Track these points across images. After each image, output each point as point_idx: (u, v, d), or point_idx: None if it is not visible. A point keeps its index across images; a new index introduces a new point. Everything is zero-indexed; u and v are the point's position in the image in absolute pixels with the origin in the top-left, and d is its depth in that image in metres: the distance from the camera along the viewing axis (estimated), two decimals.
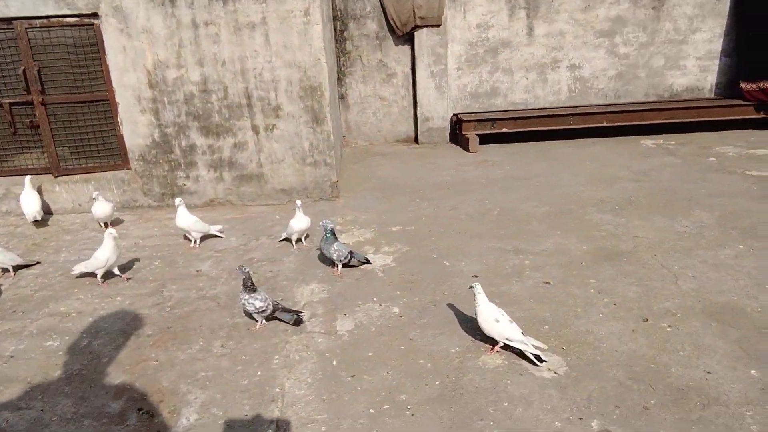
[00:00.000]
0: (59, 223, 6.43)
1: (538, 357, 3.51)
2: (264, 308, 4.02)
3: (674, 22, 9.41)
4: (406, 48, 9.25)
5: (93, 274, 4.85)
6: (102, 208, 5.97)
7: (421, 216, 6.22)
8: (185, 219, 5.51)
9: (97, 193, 5.99)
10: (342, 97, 9.51)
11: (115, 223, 6.25)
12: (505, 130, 9.14)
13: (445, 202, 6.64)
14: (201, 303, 4.50)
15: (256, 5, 6.04)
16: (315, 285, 4.72)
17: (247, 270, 4.07)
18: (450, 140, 9.63)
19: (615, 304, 4.21)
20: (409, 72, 9.40)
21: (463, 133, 9.09)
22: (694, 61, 9.65)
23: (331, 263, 4.96)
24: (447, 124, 9.53)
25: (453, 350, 3.72)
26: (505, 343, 3.61)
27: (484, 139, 9.08)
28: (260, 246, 5.59)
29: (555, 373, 3.46)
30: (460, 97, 9.66)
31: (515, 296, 4.39)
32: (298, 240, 5.54)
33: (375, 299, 4.43)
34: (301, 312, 4.23)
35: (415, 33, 8.97)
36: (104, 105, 6.35)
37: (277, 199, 6.80)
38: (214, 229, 5.77)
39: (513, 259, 5.04)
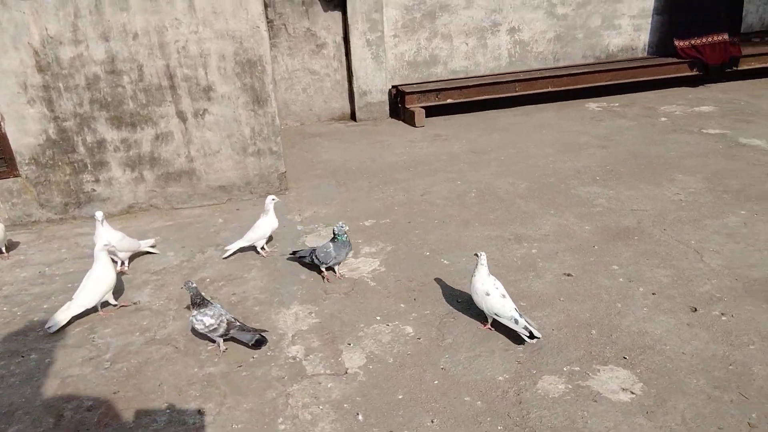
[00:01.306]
0: None
1: (531, 334, 3.16)
2: (215, 326, 3.25)
3: None
4: (337, 14, 8.25)
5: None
6: None
7: (392, 204, 5.41)
8: (108, 237, 4.33)
9: None
10: None
11: (9, 247, 4.87)
12: (450, 101, 8.47)
13: (413, 185, 5.86)
14: (152, 350, 3.43)
15: None
16: (297, 307, 3.78)
17: (194, 285, 3.33)
18: (390, 115, 8.82)
19: (654, 294, 3.68)
20: (341, 41, 8.42)
21: (407, 106, 8.31)
22: (629, 20, 9.47)
23: (318, 269, 4.11)
24: (386, 98, 8.69)
25: (500, 378, 3.00)
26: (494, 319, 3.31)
27: (429, 112, 8.37)
28: (209, 260, 4.53)
29: (632, 393, 2.84)
30: (397, 68, 8.84)
31: (541, 295, 3.73)
32: (263, 246, 4.53)
33: (378, 318, 3.60)
34: (263, 330, 3.40)
35: None
36: None
37: (215, 198, 5.69)
38: (145, 245, 4.62)
39: (518, 248, 4.38)
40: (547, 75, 8.73)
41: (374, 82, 8.53)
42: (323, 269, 4.06)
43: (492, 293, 3.24)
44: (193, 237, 4.97)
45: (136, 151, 5.34)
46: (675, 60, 9.13)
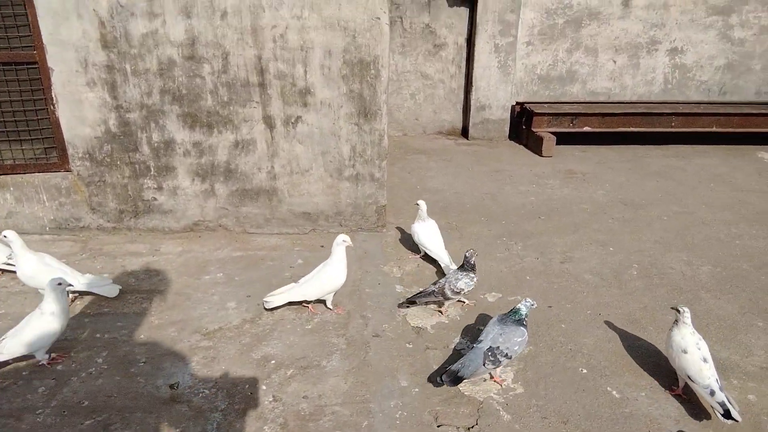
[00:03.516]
0: None
1: (727, 413, 2.53)
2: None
3: None
4: (464, 11, 6.92)
5: None
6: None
7: (522, 271, 4.05)
8: (27, 266, 3.33)
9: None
10: None
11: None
12: (588, 129, 6.95)
13: (548, 243, 4.47)
14: None
15: None
16: None
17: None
18: (510, 136, 7.41)
19: None
20: (464, 43, 7.09)
21: (534, 129, 6.87)
22: None
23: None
24: (508, 116, 7.29)
25: None
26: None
27: (559, 138, 6.90)
28: (279, 325, 3.36)
29: None
30: (526, 81, 7.40)
31: None
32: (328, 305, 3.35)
33: None
34: None
35: None
36: (30, 71, 3.96)
37: (296, 226, 4.55)
38: (95, 284, 3.49)
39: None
40: (712, 111, 7.02)
41: (496, 96, 7.14)
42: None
43: (690, 351, 2.73)
44: (264, 281, 3.82)
45: (210, 159, 4.27)
46: None
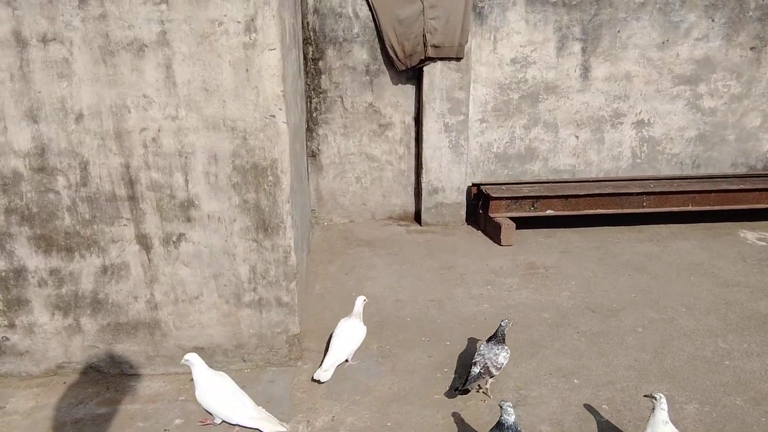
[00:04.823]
0: None
1: None
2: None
3: None
4: (409, 88, 6.33)
5: None
6: None
7: (463, 426, 3.19)
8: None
9: None
10: (313, 155, 6.50)
11: None
12: (551, 212, 6.25)
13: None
14: None
15: (149, 7, 3.00)
16: None
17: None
18: (467, 220, 6.69)
19: None
20: (412, 122, 6.48)
21: (491, 215, 6.15)
22: None
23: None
24: (463, 198, 6.59)
25: None
26: None
27: (521, 221, 6.19)
28: None
29: None
30: (482, 160, 6.76)
31: None
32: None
33: None
34: None
35: (425, 68, 6.07)
36: None
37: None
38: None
39: None
40: (687, 189, 6.37)
41: (449, 178, 6.47)
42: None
43: None
44: None
45: (72, 288, 3.44)
46: None
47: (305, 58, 6.07)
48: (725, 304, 4.62)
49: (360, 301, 3.88)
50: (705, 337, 4.12)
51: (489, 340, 3.43)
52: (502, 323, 3.42)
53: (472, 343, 4.03)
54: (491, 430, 2.72)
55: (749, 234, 6.27)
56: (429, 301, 4.73)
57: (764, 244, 5.98)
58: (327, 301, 4.73)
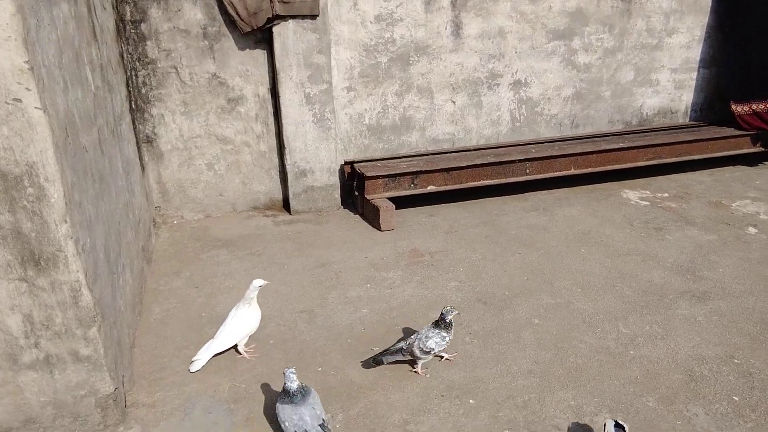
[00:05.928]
0: None
1: None
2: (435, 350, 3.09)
3: (647, 19, 6.61)
4: (260, 54, 5.34)
5: None
6: None
7: None
8: None
9: None
10: (148, 141, 5.33)
11: None
12: (432, 188, 5.65)
13: (381, 406, 2.93)
14: None
15: None
16: None
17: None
18: (343, 203, 5.92)
19: None
20: (268, 95, 5.51)
21: (368, 197, 5.43)
22: (669, 74, 6.98)
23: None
24: (336, 179, 5.80)
25: None
26: None
27: (402, 200, 5.54)
28: None
29: None
30: (354, 134, 5.97)
31: None
32: None
33: None
34: None
35: (275, 29, 5.10)
36: None
37: None
38: None
39: None
40: (569, 153, 6.06)
41: (318, 157, 5.62)
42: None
43: None
44: None
45: None
46: (737, 132, 6.65)
47: (122, 20, 4.85)
48: (620, 278, 4.27)
49: (255, 286, 3.35)
50: (605, 322, 3.71)
51: (433, 325, 3.15)
52: (444, 310, 3.13)
53: (348, 368, 3.29)
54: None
55: (631, 194, 6.11)
56: (297, 314, 3.91)
57: (647, 203, 5.83)
58: (168, 329, 3.75)
